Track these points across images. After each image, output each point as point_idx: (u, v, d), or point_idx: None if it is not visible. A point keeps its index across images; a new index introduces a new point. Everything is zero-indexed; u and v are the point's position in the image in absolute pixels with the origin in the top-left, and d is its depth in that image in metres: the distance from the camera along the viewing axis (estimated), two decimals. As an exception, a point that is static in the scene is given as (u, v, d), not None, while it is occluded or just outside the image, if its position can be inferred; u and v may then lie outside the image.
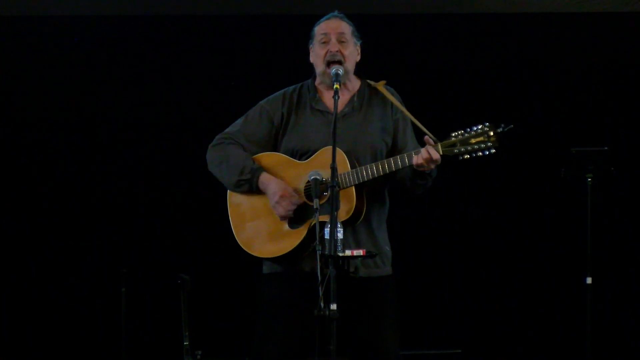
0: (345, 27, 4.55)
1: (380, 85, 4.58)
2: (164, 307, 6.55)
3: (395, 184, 4.52)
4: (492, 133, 4.25)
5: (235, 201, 4.56)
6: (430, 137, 4.30)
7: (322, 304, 3.93)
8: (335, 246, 4.01)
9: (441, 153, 4.28)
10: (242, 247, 4.50)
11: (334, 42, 4.50)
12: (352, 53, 4.55)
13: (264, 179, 4.47)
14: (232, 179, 4.52)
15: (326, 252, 4.00)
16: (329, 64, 4.48)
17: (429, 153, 4.26)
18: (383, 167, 4.34)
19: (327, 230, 4.05)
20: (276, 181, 4.46)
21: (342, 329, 4.07)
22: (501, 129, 4.25)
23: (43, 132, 6.96)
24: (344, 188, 4.33)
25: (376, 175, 4.35)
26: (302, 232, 4.40)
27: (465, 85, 6.97)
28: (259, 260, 4.56)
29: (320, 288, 3.94)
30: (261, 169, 4.50)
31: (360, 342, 4.43)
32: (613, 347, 6.87)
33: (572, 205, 6.69)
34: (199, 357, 5.43)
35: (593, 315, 6.35)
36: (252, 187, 4.50)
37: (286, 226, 4.45)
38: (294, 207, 4.43)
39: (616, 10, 6.92)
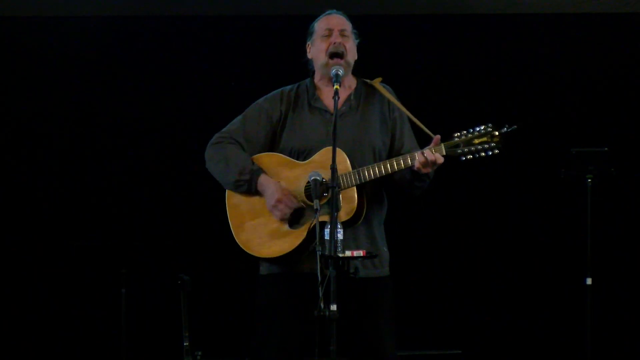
0: (347, 23, 4.58)
1: (377, 83, 4.58)
2: (164, 307, 6.55)
3: (392, 185, 4.52)
4: (495, 133, 4.25)
5: (234, 202, 4.55)
6: (432, 137, 4.30)
7: (322, 305, 3.92)
8: (336, 247, 4.00)
9: (444, 153, 4.28)
10: (242, 247, 4.50)
11: (337, 34, 4.51)
12: (353, 48, 4.56)
13: (263, 180, 4.47)
14: (231, 179, 4.51)
15: (326, 253, 3.99)
16: (332, 55, 4.48)
17: (432, 156, 4.26)
18: (385, 168, 4.33)
19: (327, 231, 4.04)
20: (275, 184, 4.45)
21: (341, 330, 4.06)
22: (505, 130, 4.25)
23: (43, 132, 6.96)
24: (345, 189, 4.33)
25: (378, 175, 4.33)
26: (302, 232, 4.40)
27: (465, 86, 6.96)
28: (258, 261, 4.56)
29: (320, 289, 3.94)
30: (260, 170, 4.49)
31: (357, 343, 4.43)
32: (613, 348, 6.87)
33: (572, 205, 6.68)
34: (198, 357, 5.41)
35: (593, 316, 6.35)
36: (250, 188, 4.49)
37: (286, 226, 4.44)
38: (291, 210, 4.42)
39: (616, 11, 6.92)
